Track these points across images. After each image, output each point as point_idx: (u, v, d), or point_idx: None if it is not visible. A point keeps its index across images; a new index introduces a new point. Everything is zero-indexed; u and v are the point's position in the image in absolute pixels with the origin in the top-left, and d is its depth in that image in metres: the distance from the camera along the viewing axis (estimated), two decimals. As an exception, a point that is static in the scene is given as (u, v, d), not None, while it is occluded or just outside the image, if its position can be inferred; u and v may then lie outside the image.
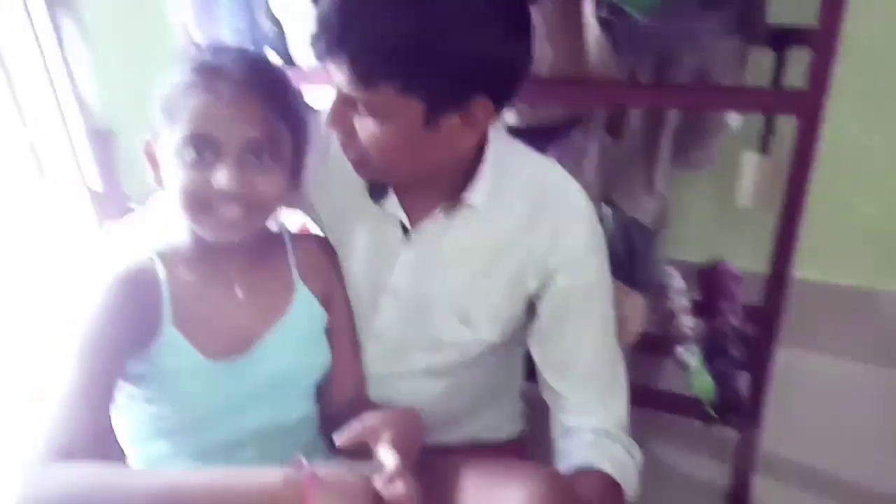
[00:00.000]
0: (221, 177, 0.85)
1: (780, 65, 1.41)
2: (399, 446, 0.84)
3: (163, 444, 0.95)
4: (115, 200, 1.73)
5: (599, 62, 1.20)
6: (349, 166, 0.95)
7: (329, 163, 1.03)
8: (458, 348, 1.05)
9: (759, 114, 1.52)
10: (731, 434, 1.49)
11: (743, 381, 1.44)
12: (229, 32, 1.42)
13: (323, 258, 1.06)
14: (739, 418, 1.38)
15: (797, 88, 1.07)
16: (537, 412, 1.21)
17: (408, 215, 0.99)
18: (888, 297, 1.71)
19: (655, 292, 1.66)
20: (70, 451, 0.78)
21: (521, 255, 0.99)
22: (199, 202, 0.87)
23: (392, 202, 0.98)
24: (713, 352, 1.52)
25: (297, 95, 0.94)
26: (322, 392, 1.05)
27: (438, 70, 0.80)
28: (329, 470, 0.80)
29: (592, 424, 1.02)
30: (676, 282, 1.69)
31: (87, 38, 1.65)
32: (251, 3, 1.39)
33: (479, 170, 0.96)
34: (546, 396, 1.08)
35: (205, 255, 0.94)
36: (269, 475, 0.78)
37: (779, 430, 1.46)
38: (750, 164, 1.52)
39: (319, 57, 0.84)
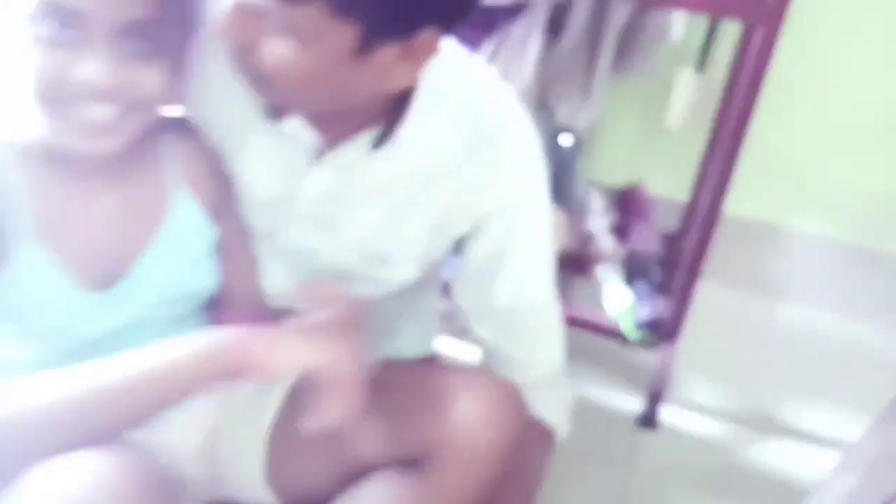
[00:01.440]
0: (89, 68, 0.67)
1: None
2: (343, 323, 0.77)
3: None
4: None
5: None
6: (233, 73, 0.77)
7: (212, 63, 0.82)
8: (370, 283, 0.95)
9: (699, 30, 1.53)
10: (643, 360, 1.54)
11: (661, 303, 1.49)
12: None
13: (210, 159, 0.88)
14: (658, 339, 1.42)
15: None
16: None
17: (323, 137, 0.85)
18: (793, 234, 1.81)
19: (575, 210, 1.67)
20: None
21: (450, 191, 0.88)
22: (57, 96, 0.68)
23: (294, 123, 0.83)
24: (633, 274, 1.55)
25: None
26: (220, 310, 0.90)
27: None
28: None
29: (528, 379, 0.94)
30: (596, 202, 1.71)
31: None
32: None
33: (412, 99, 0.82)
34: (475, 344, 1.01)
35: (60, 153, 0.74)
36: (209, 337, 0.73)
37: (689, 359, 1.52)
38: (684, 82, 1.54)
39: None
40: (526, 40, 1.36)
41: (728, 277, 1.66)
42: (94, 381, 0.69)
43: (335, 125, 0.83)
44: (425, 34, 0.70)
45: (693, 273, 1.32)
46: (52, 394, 0.67)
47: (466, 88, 0.86)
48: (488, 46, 1.40)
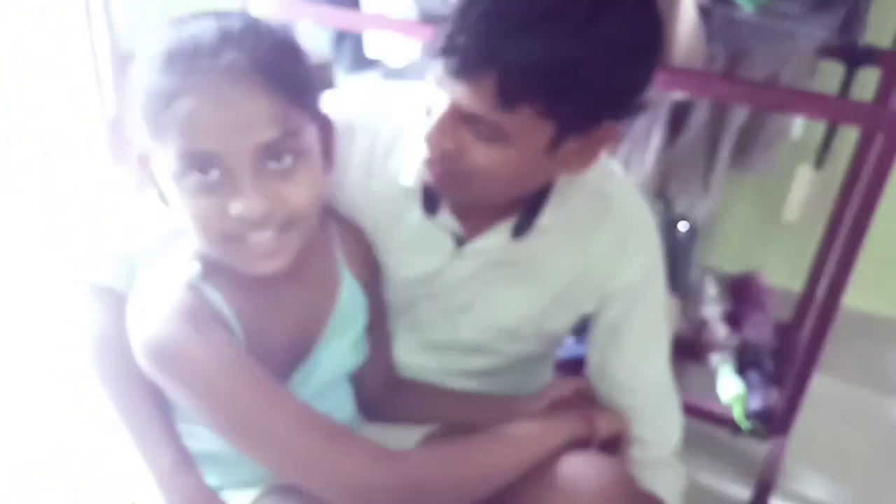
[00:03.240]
0: (240, 204, 0.73)
1: (849, 80, 1.50)
2: None
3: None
4: (128, 124, 1.76)
5: (687, 50, 1.28)
6: (394, 177, 0.96)
7: (374, 172, 0.99)
8: (498, 355, 1.08)
9: (819, 128, 1.62)
10: (754, 449, 1.59)
11: (773, 394, 1.54)
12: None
13: (364, 240, 1.00)
14: (769, 431, 1.48)
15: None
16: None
17: (463, 227, 0.98)
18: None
19: (690, 297, 1.76)
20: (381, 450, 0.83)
21: (577, 271, 1.00)
22: (220, 234, 0.75)
23: (446, 215, 0.97)
24: (746, 363, 1.62)
25: (310, 66, 0.81)
26: (356, 378, 1.03)
27: (586, 94, 0.79)
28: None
29: (645, 456, 1.05)
30: (711, 289, 1.79)
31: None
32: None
33: (552, 191, 0.95)
34: None
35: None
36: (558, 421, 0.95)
37: (800, 451, 1.56)
38: (803, 178, 1.62)
39: (452, 73, 0.79)
40: (648, 134, 1.49)
41: (842, 370, 1.69)
42: (483, 452, 0.89)
43: (478, 217, 0.96)
44: (605, 126, 0.84)
45: (808, 365, 1.37)
46: (452, 461, 0.87)
47: (594, 175, 0.96)
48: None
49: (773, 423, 1.47)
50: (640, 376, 1.04)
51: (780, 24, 1.13)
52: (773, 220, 1.78)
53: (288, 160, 0.75)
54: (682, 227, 1.63)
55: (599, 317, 1.04)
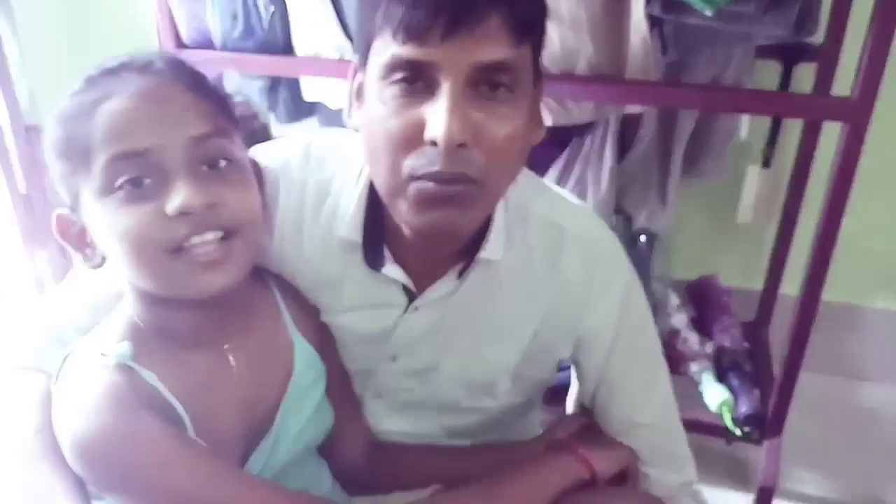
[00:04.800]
0: (177, 196, 0.67)
1: (787, 78, 1.52)
2: None
3: None
4: (41, 201, 1.62)
5: (640, 62, 1.25)
6: (328, 231, 0.88)
7: (304, 228, 0.90)
8: (478, 413, 1.00)
9: (763, 128, 1.63)
10: (744, 454, 1.58)
11: (757, 396, 1.53)
12: (217, 15, 1.36)
13: (312, 303, 0.93)
14: (762, 433, 1.45)
15: (845, 97, 1.14)
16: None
17: (413, 281, 0.89)
18: (870, 313, 1.87)
19: (654, 309, 1.72)
20: None
21: (543, 314, 0.92)
22: (162, 246, 0.69)
23: (392, 268, 0.88)
24: (725, 368, 1.60)
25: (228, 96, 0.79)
26: (330, 449, 0.95)
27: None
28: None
29: (660, 491, 0.97)
30: (673, 298, 1.77)
31: (17, 31, 1.57)
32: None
33: (494, 218, 0.86)
34: None
35: (178, 328, 0.77)
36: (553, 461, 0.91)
37: (790, 449, 1.53)
38: (753, 178, 1.63)
39: (450, 33, 0.70)
40: (601, 153, 1.46)
41: (814, 363, 1.70)
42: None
43: (421, 265, 0.88)
44: (539, 82, 0.80)
45: (794, 363, 1.37)
46: None
47: (545, 204, 0.91)
48: (561, 160, 1.50)
49: (766, 426, 1.45)
50: (635, 420, 0.96)
51: (735, 27, 1.12)
52: (726, 222, 1.79)
53: (222, 164, 0.72)
54: (643, 240, 1.61)
55: (581, 362, 0.96)
